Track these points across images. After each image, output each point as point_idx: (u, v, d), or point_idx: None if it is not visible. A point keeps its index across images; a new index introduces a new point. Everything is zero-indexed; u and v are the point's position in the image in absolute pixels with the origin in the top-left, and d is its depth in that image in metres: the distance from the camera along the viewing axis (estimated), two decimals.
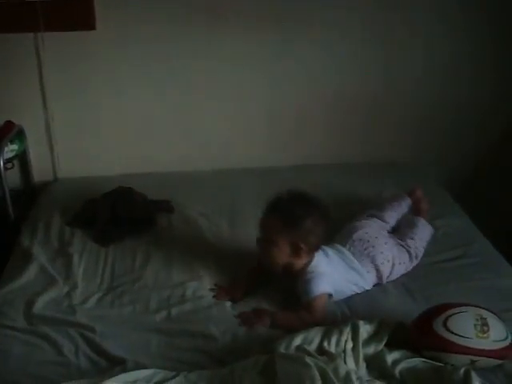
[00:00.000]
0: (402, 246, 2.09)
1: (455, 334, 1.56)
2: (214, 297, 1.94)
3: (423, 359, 1.56)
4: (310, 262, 1.90)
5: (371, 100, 2.78)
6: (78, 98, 2.62)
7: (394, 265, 2.01)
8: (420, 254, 2.11)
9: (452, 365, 1.54)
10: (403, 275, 2.05)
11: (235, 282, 1.99)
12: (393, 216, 2.26)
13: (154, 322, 1.80)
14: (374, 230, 2.12)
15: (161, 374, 1.51)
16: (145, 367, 1.56)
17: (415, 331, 1.63)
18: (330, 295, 1.88)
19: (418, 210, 2.30)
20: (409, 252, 2.07)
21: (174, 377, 1.50)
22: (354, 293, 1.95)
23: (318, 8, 2.56)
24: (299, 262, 1.89)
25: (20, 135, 2.60)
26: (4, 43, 2.46)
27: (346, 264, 1.98)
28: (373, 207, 2.29)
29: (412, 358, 1.57)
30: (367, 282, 1.97)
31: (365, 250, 2.02)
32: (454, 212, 2.44)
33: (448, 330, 1.56)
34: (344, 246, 2.05)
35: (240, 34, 2.58)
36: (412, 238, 2.13)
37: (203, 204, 2.47)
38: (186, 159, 2.77)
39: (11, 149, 2.52)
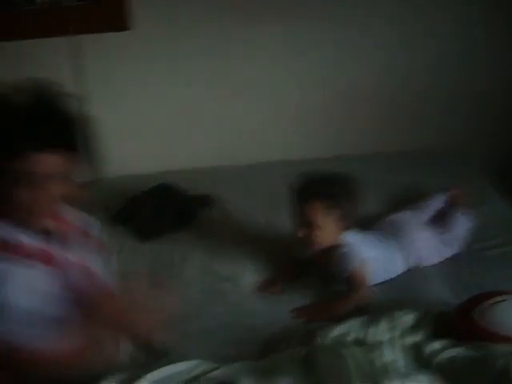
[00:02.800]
0: (438, 234, 2.08)
1: (497, 324, 1.53)
2: (255, 290, 1.97)
3: (464, 349, 1.52)
4: (340, 238, 1.91)
5: (409, 87, 2.77)
6: (116, 98, 2.67)
7: (425, 247, 2.01)
8: (459, 243, 2.09)
9: (494, 355, 1.52)
10: (442, 263, 2.04)
11: (275, 274, 2.02)
12: (428, 205, 2.25)
13: (194, 315, 1.82)
14: (405, 216, 2.14)
15: (203, 366, 1.54)
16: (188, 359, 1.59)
17: (456, 321, 1.61)
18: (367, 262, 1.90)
19: (456, 204, 2.27)
20: (444, 239, 2.07)
21: (216, 368, 1.52)
22: (386, 277, 1.96)
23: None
24: (337, 240, 1.91)
25: None
26: (41, 48, 2.52)
27: (375, 244, 1.99)
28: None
29: (452, 348, 1.53)
30: (398, 262, 1.98)
31: (394, 232, 2.04)
32: (494, 199, 2.40)
33: (490, 319, 1.54)
34: (373, 229, 2.07)
35: (265, 28, 2.60)
36: (450, 227, 2.11)
37: (242, 197, 2.49)
38: (223, 154, 2.80)
39: None
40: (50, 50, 2.53)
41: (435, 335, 1.60)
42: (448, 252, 2.06)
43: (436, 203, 2.28)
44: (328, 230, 1.87)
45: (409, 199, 2.34)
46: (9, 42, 2.47)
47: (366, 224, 2.08)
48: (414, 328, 1.60)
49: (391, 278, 1.97)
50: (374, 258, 1.92)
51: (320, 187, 1.88)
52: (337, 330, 1.58)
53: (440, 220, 2.19)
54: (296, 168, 2.58)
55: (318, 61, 2.70)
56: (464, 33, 2.68)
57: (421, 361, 1.50)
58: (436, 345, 1.55)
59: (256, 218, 2.36)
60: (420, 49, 2.71)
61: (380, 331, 1.56)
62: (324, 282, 1.96)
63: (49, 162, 1.24)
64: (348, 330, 1.58)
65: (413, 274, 1.99)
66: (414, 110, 2.84)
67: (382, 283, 1.95)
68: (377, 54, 2.72)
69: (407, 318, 1.62)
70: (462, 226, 2.14)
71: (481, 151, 2.86)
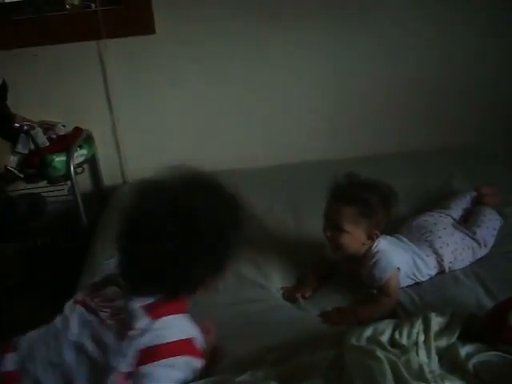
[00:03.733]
0: (467, 234, 2.04)
1: None
2: (282, 296, 1.95)
3: (498, 353, 1.49)
4: (372, 244, 1.88)
5: (433, 86, 2.75)
6: (143, 101, 2.69)
7: (456, 250, 1.96)
8: (489, 243, 2.05)
9: None
10: (473, 264, 1.99)
11: (303, 279, 1.99)
12: (457, 204, 2.21)
13: (222, 321, 1.79)
14: (433, 219, 2.09)
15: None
16: None
17: (489, 324, 1.56)
18: (399, 268, 1.87)
19: (484, 203, 2.23)
20: (474, 239, 2.02)
21: (240, 375, 1.50)
22: (416, 279, 1.92)
23: None
24: (366, 247, 1.88)
25: (88, 140, 2.68)
26: (68, 51, 2.55)
27: (405, 249, 1.95)
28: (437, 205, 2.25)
29: (486, 351, 1.50)
30: (428, 265, 1.93)
31: (422, 235, 2.00)
32: None
33: None
34: (402, 234, 2.02)
35: (301, 25, 2.60)
36: (479, 226, 2.07)
37: (268, 200, 2.45)
38: (249, 156, 2.79)
39: (81, 153, 2.60)
40: (75, 53, 2.56)
41: (465, 338, 1.55)
42: (479, 253, 2.02)
43: (463, 203, 2.24)
44: (355, 236, 1.83)
45: (435, 200, 2.31)
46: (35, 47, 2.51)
47: (393, 226, 2.04)
48: (447, 330, 1.56)
49: (422, 281, 1.94)
50: (405, 264, 1.89)
51: (356, 193, 1.83)
52: (370, 330, 1.54)
53: (468, 221, 2.15)
54: (321, 168, 2.60)
55: (342, 62, 2.70)
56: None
57: (456, 363, 1.47)
58: (469, 348, 1.52)
59: (283, 221, 2.32)
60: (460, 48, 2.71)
61: (415, 332, 1.52)
62: (354, 286, 1.93)
63: None
64: (382, 330, 1.54)
65: (443, 276, 1.95)
66: (441, 111, 2.81)
67: (413, 285, 1.92)
68: (394, 56, 2.70)
69: (440, 320, 1.58)
70: (492, 226, 2.10)
71: (508, 150, 2.82)
